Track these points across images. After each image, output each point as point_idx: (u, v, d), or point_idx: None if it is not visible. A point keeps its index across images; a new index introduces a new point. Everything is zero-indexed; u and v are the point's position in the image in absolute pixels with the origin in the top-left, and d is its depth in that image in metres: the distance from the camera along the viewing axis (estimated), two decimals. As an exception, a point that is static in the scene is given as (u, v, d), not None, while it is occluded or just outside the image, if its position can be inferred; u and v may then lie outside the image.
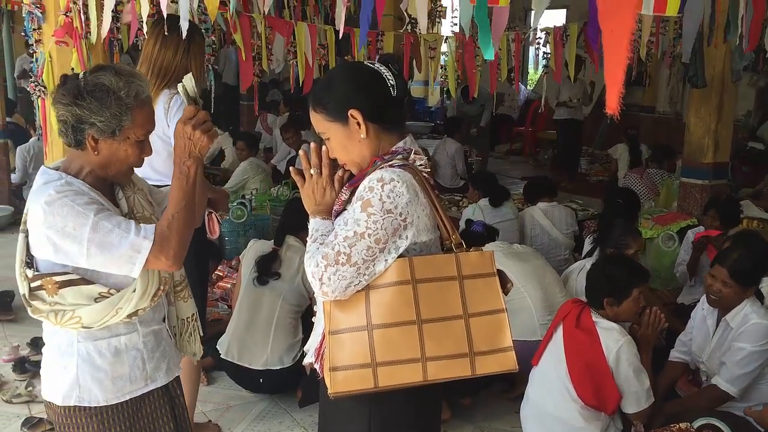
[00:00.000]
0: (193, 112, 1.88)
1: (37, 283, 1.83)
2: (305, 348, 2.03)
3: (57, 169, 1.88)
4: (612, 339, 2.80)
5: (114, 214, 1.84)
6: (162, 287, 1.95)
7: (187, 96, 1.90)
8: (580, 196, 7.61)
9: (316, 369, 1.91)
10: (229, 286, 4.98)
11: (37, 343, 4.14)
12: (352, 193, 1.81)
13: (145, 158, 2.93)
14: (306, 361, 1.98)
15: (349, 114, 1.80)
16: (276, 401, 3.76)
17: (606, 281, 2.94)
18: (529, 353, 3.26)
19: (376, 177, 1.75)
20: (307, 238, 1.86)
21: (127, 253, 1.80)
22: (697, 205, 5.67)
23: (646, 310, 3.04)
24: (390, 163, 1.78)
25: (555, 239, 5.20)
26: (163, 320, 2.07)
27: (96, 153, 1.84)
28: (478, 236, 4.11)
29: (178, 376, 2.13)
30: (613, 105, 0.85)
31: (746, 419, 3.04)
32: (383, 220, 1.73)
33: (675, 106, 10.07)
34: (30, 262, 1.85)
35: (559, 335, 2.91)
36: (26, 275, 1.84)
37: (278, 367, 3.62)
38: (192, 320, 2.17)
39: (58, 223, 1.77)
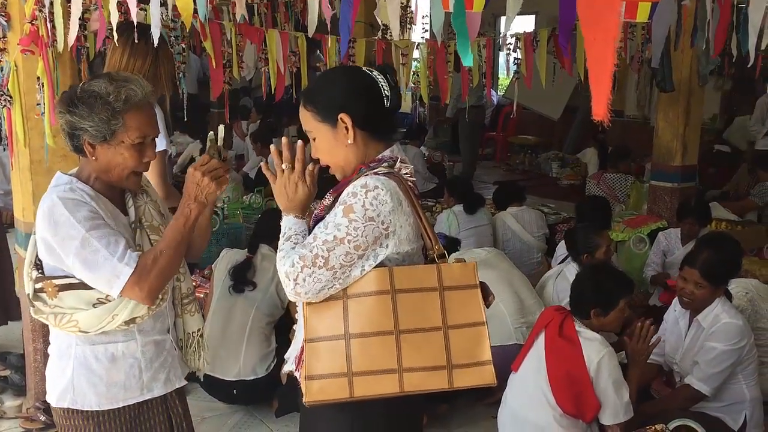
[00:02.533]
0: (207, 159, 1.90)
1: (39, 285, 1.89)
2: (285, 356, 2.01)
3: (71, 175, 1.94)
4: (594, 350, 2.80)
5: (109, 231, 1.85)
6: (161, 296, 1.96)
7: (212, 143, 1.94)
8: (551, 200, 7.67)
9: (296, 377, 1.89)
10: (202, 295, 4.92)
11: (5, 358, 4.05)
12: (336, 199, 1.80)
13: None
14: (286, 368, 1.96)
15: (339, 118, 1.79)
16: (251, 412, 3.72)
17: (594, 292, 2.94)
18: (505, 358, 3.26)
19: (360, 183, 1.74)
20: (280, 236, 1.83)
21: (107, 276, 1.83)
22: (666, 207, 5.75)
23: (637, 324, 3.07)
24: (375, 170, 1.78)
25: (527, 243, 5.24)
26: (168, 331, 2.08)
27: (94, 158, 1.89)
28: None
29: (181, 389, 2.13)
30: (601, 112, 0.85)
31: (720, 419, 3.07)
32: (364, 227, 1.71)
33: (643, 110, 10.21)
34: (39, 264, 1.92)
35: (540, 342, 2.91)
36: (31, 276, 1.91)
37: (251, 378, 3.58)
38: (197, 335, 2.18)
39: (52, 230, 1.83)
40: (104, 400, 1.95)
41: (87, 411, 1.95)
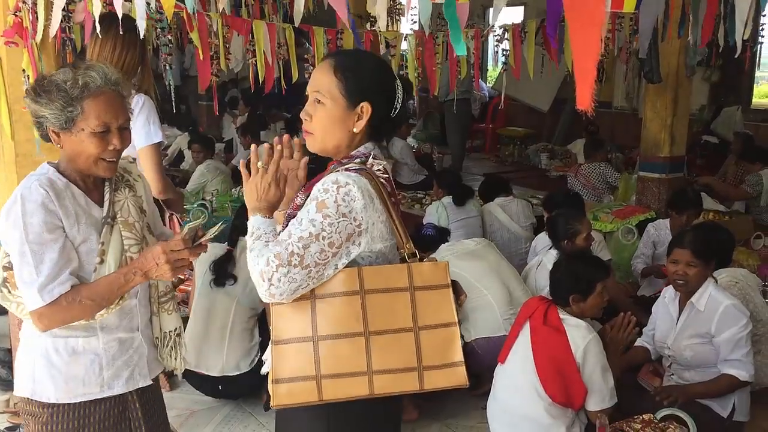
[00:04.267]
0: (180, 245, 1.84)
1: (5, 274, 1.93)
2: (264, 357, 1.96)
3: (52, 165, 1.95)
4: (579, 336, 2.82)
5: (48, 248, 1.82)
6: (126, 295, 1.95)
7: (190, 229, 1.86)
8: (540, 191, 7.67)
9: None
10: (189, 289, 4.90)
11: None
12: (308, 197, 1.76)
13: None
14: (264, 370, 1.91)
15: (361, 104, 1.76)
16: (240, 405, 3.71)
17: (570, 279, 2.97)
18: (494, 349, 3.27)
19: (331, 179, 1.70)
20: (248, 236, 1.77)
21: (25, 293, 1.84)
22: (654, 198, 5.78)
23: (620, 314, 3.09)
24: (346, 167, 1.75)
25: (514, 233, 5.25)
26: (137, 329, 2.04)
27: (60, 146, 1.90)
28: (430, 239, 4.12)
29: (146, 388, 2.09)
30: (585, 101, 0.84)
31: (709, 407, 3.10)
32: (338, 223, 1.68)
33: (631, 102, 10.23)
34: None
35: (526, 333, 2.92)
36: (3, 263, 1.94)
37: (235, 373, 3.57)
38: (174, 334, 2.14)
39: (3, 223, 1.85)
40: (62, 393, 1.94)
41: (44, 402, 1.95)
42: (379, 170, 1.79)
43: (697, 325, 3.14)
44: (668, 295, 3.32)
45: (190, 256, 1.86)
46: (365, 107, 1.76)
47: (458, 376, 1.75)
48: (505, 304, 3.74)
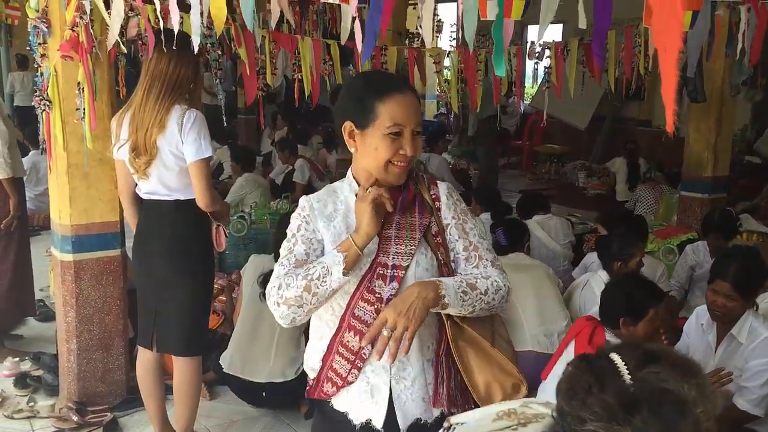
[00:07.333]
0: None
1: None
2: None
3: None
4: None
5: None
6: None
7: None
8: (578, 209, 7.63)
9: None
10: (224, 298, 4.96)
11: (38, 358, 4.11)
12: (431, 212, 1.88)
13: (155, 174, 2.98)
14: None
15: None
16: (279, 416, 3.74)
17: (623, 301, 2.90)
18: (524, 363, 3.22)
19: (449, 188, 1.95)
20: (465, 299, 1.76)
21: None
22: (696, 218, 5.70)
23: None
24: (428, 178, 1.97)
25: (553, 250, 5.21)
26: None
27: None
28: (501, 248, 4.06)
29: None
30: (670, 123, 0.87)
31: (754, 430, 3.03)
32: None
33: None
34: None
35: (570, 351, 2.89)
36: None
37: (281, 380, 3.61)
38: None
39: None
40: None
41: None
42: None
43: (737, 358, 3.05)
44: (705, 321, 3.21)
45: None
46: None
47: None
48: (535, 319, 3.72)
